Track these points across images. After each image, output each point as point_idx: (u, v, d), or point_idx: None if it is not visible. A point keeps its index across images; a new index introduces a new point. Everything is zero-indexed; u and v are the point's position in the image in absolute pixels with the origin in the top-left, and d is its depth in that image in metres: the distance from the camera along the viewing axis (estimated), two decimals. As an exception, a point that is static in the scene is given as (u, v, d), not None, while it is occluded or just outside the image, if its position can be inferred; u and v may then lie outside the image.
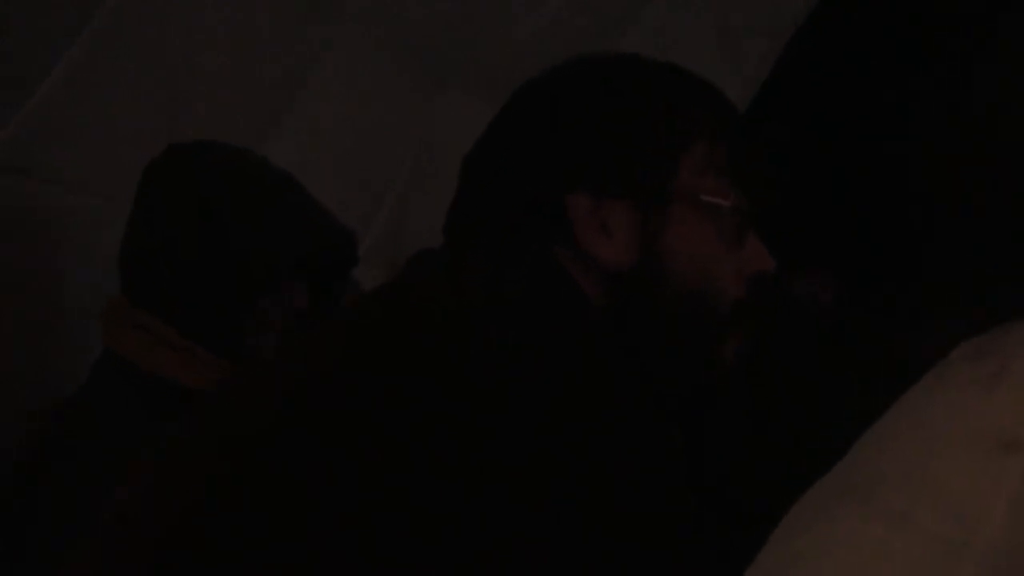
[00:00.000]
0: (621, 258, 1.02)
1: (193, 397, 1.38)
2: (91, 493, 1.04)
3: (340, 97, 2.20)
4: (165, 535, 0.86)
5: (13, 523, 1.46)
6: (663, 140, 1.04)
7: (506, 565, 0.79)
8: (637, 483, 0.85)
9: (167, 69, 1.87)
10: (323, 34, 2.12)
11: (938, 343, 0.71)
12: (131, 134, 1.79)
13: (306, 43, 2.11)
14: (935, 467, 0.63)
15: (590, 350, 0.92)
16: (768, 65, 2.49)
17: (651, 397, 0.91)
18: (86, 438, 1.48)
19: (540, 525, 0.80)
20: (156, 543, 0.86)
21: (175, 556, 0.84)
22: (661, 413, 0.91)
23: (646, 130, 1.05)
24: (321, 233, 1.62)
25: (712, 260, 1.04)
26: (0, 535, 1.46)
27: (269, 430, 0.87)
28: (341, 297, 1.64)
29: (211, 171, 1.58)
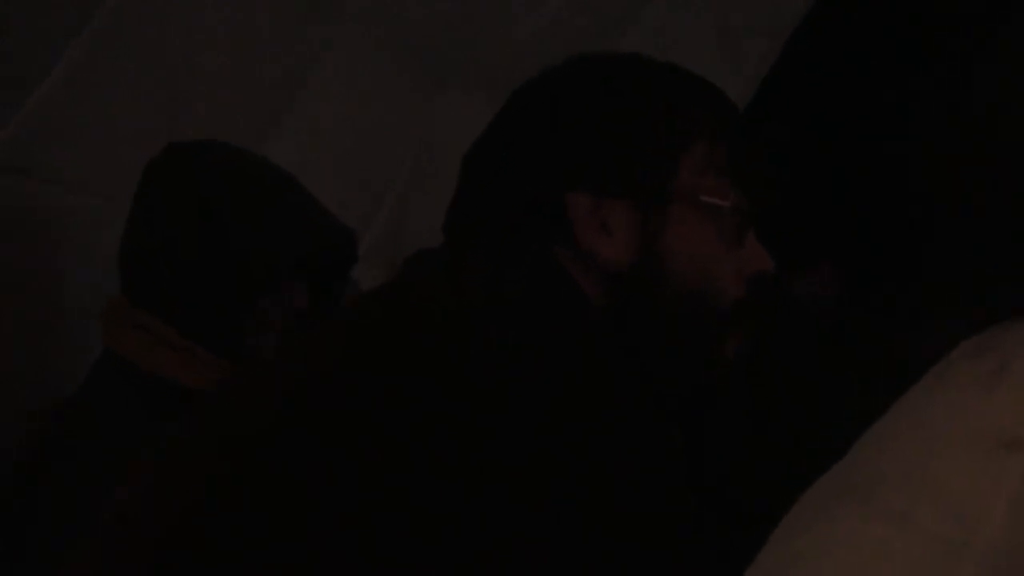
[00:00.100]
0: (621, 257, 1.02)
1: (193, 397, 1.38)
2: (91, 493, 1.04)
3: (340, 97, 2.20)
4: (165, 535, 0.86)
5: (13, 523, 1.46)
6: (663, 140, 1.04)
7: (506, 565, 0.79)
8: (637, 483, 0.85)
9: (167, 69, 1.87)
10: (323, 34, 2.12)
11: (938, 343, 0.71)
12: (131, 134, 1.79)
13: (306, 43, 2.11)
14: (935, 467, 0.63)
15: (590, 350, 0.92)
16: (768, 65, 2.49)
17: (651, 397, 0.91)
18: (86, 438, 1.48)
19: (540, 525, 0.80)
20: (156, 543, 0.86)
21: (175, 556, 0.84)
22: (661, 413, 0.91)
23: (646, 130, 1.05)
24: (321, 233, 1.62)
25: (712, 260, 1.04)
26: (0, 535, 1.46)
27: (269, 430, 0.87)
28: (341, 297, 1.64)
29: (211, 171, 1.58)
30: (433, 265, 1.03)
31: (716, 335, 1.06)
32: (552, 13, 2.28)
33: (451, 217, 1.09)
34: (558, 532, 0.81)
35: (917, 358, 0.72)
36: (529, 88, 1.10)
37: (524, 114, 1.09)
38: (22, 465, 1.52)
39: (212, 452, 0.89)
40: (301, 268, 1.58)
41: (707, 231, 1.04)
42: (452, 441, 0.81)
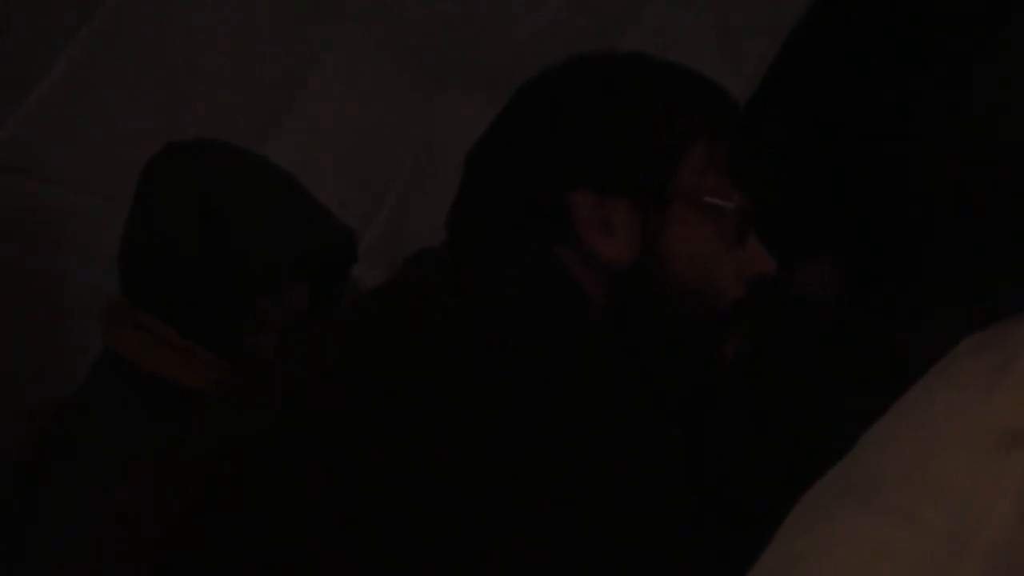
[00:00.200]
0: (623, 257, 1.02)
1: (193, 397, 1.38)
2: (91, 493, 1.04)
3: (340, 97, 2.20)
4: (165, 535, 0.86)
5: (13, 523, 1.46)
6: (664, 140, 1.04)
7: (506, 565, 0.79)
8: (637, 483, 0.85)
9: (167, 69, 1.87)
10: (323, 34, 2.12)
11: (938, 343, 0.71)
12: (131, 134, 1.79)
13: (306, 43, 2.11)
14: (936, 466, 0.63)
15: (590, 350, 0.92)
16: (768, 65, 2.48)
17: (651, 397, 0.91)
18: (86, 438, 1.48)
19: (540, 525, 0.80)
20: (156, 543, 0.86)
21: (175, 556, 0.84)
22: (661, 413, 0.91)
23: (647, 129, 1.05)
24: (321, 233, 1.62)
25: (712, 260, 1.04)
26: (0, 535, 1.46)
27: (269, 430, 0.87)
28: (341, 297, 1.64)
29: (211, 170, 1.58)
30: (433, 265, 1.03)
31: (716, 335, 1.06)
32: (552, 13, 2.28)
33: (453, 216, 1.09)
34: (558, 532, 0.80)
35: (917, 358, 0.72)
36: (531, 88, 1.10)
37: (526, 114, 1.09)
38: (22, 465, 1.52)
39: (212, 452, 0.89)
40: (301, 268, 1.58)
41: (707, 231, 1.04)
42: (452, 441, 0.81)
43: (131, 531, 0.89)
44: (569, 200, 1.02)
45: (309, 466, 0.83)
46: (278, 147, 1.90)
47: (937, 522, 0.61)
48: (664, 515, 0.85)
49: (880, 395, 0.71)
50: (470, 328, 0.89)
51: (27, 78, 1.69)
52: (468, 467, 0.81)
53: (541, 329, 0.91)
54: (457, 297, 0.94)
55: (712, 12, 2.48)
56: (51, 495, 1.45)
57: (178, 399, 1.45)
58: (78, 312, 1.74)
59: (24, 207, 1.73)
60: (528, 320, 0.92)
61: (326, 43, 2.13)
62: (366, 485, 0.81)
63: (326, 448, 0.83)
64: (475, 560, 0.79)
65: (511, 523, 0.80)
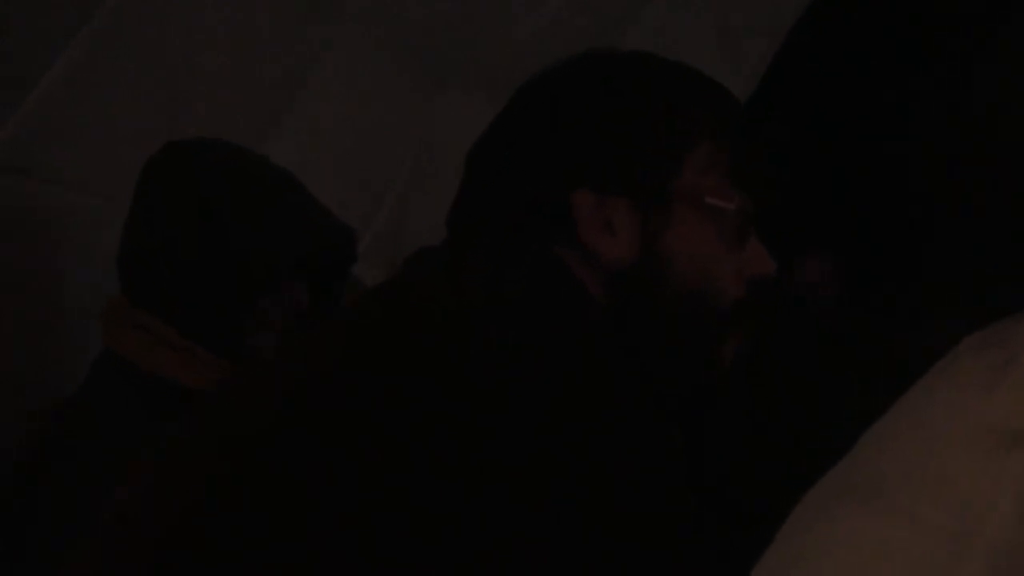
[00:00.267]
0: (624, 256, 1.02)
1: (193, 397, 1.38)
2: (91, 493, 1.04)
3: (340, 97, 2.20)
4: (165, 535, 0.86)
5: (13, 523, 1.46)
6: (665, 140, 1.04)
7: (506, 565, 0.79)
8: (637, 483, 0.85)
9: (167, 69, 1.87)
10: (323, 34, 2.12)
11: (938, 343, 0.71)
12: (131, 134, 1.79)
13: (306, 43, 2.11)
14: (936, 465, 0.63)
15: (590, 350, 0.92)
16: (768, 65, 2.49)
17: (651, 397, 0.91)
18: (86, 438, 1.48)
19: (540, 525, 0.80)
20: (156, 543, 0.86)
21: (175, 556, 0.84)
22: (661, 413, 0.91)
23: (648, 129, 1.05)
24: (321, 233, 1.62)
25: (712, 260, 1.04)
26: (0, 535, 1.46)
27: (269, 430, 0.87)
28: (341, 297, 1.64)
29: (211, 170, 1.58)
30: (434, 264, 1.03)
31: (716, 335, 1.06)
32: (552, 13, 2.28)
33: (453, 216, 1.09)
34: (558, 532, 0.80)
35: (917, 358, 0.72)
36: (532, 86, 1.10)
37: (527, 113, 1.09)
38: (22, 465, 1.52)
39: (212, 452, 0.89)
40: (301, 268, 1.58)
41: (708, 231, 1.04)
42: (452, 441, 0.81)
43: (131, 531, 0.89)
44: (570, 200, 1.02)
45: (309, 466, 0.83)
46: (278, 147, 1.90)
47: (937, 522, 0.61)
48: (664, 515, 0.85)
49: (880, 395, 0.71)
50: (470, 328, 0.89)
51: (27, 78, 1.69)
52: (468, 467, 0.81)
53: (541, 329, 0.91)
54: (457, 297, 0.94)
55: (712, 12, 2.48)
56: (51, 495, 1.45)
57: (178, 399, 1.44)
58: (78, 312, 1.74)
59: (24, 207, 1.73)
60: (528, 320, 0.92)
61: (326, 43, 2.13)
62: (366, 485, 0.81)
63: (326, 448, 0.83)
64: (475, 560, 0.79)
65: (511, 523, 0.80)
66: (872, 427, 0.69)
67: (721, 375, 1.07)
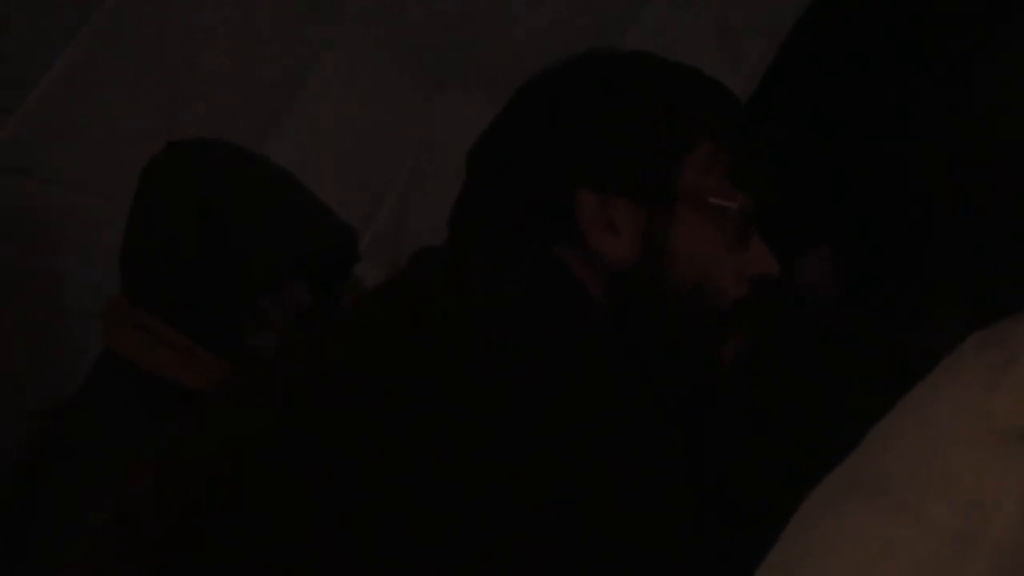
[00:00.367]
0: (626, 256, 1.02)
1: (193, 397, 1.38)
2: (91, 493, 1.04)
3: (340, 97, 2.20)
4: (165, 535, 0.86)
5: (13, 523, 1.46)
6: (666, 139, 1.04)
7: (506, 565, 0.79)
8: (637, 483, 0.85)
9: (167, 69, 1.87)
10: (323, 34, 2.12)
11: (938, 343, 0.71)
12: (131, 134, 1.79)
13: (306, 43, 2.11)
14: (940, 464, 0.63)
15: (590, 350, 0.92)
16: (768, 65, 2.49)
17: (651, 397, 0.91)
18: (86, 438, 1.48)
19: (540, 525, 0.80)
20: (156, 543, 0.86)
21: (175, 556, 0.84)
22: (661, 413, 0.91)
23: (650, 129, 1.05)
24: (321, 232, 1.62)
25: (713, 260, 1.04)
26: (0, 535, 1.46)
27: (269, 430, 0.87)
28: (341, 297, 1.64)
29: (211, 170, 1.58)
30: (434, 264, 1.03)
31: (716, 335, 1.06)
32: (552, 13, 2.28)
33: (455, 215, 1.09)
34: (558, 532, 0.80)
35: (917, 358, 0.72)
36: (532, 86, 1.10)
37: (527, 113, 1.09)
38: (22, 465, 1.52)
39: (212, 452, 0.89)
40: (301, 268, 1.58)
41: (710, 231, 1.04)
42: (452, 441, 0.81)
43: (131, 531, 0.89)
44: (573, 200, 1.02)
45: (309, 466, 0.83)
46: (278, 147, 1.90)
47: (942, 521, 0.61)
48: (664, 515, 0.85)
49: (880, 395, 0.71)
50: (470, 328, 0.89)
51: (27, 78, 1.69)
52: (468, 467, 0.81)
53: (541, 329, 0.91)
54: (457, 297, 0.94)
55: (712, 12, 2.48)
56: (51, 495, 1.44)
57: (178, 399, 1.44)
58: (78, 312, 1.74)
59: (24, 207, 1.73)
60: (528, 320, 0.92)
61: (326, 43, 2.14)
62: (366, 485, 0.81)
63: (326, 448, 0.83)
64: (475, 560, 0.79)
65: (511, 523, 0.80)
66: (878, 424, 0.69)
67: (721, 375, 1.07)
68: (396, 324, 0.91)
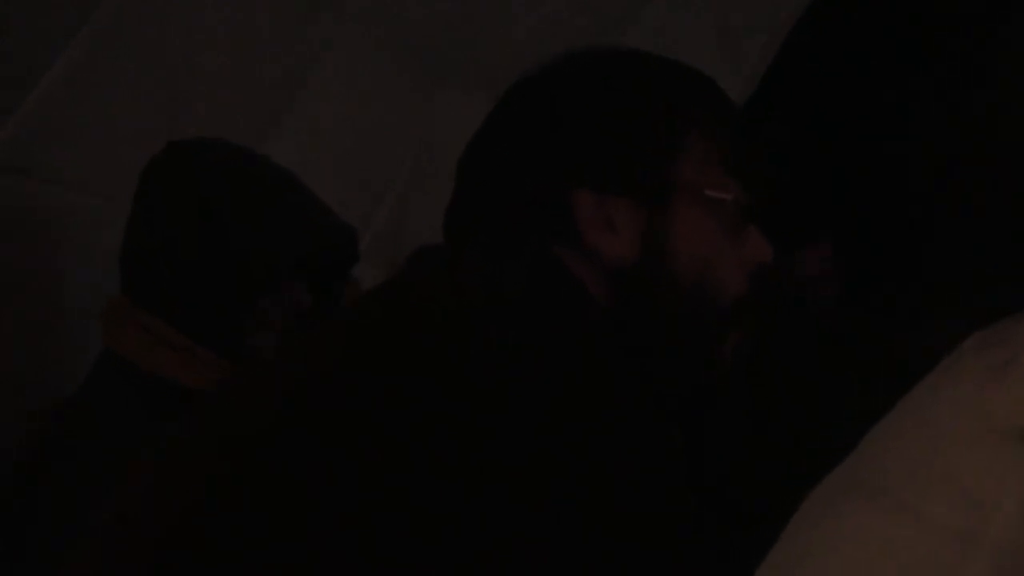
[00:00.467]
0: (626, 254, 1.02)
1: (193, 397, 1.38)
2: (91, 493, 1.04)
3: (340, 97, 2.20)
4: (165, 535, 0.86)
5: (13, 523, 1.46)
6: (661, 137, 1.04)
7: (506, 565, 0.79)
8: (637, 483, 0.85)
9: (167, 69, 1.87)
10: (323, 34, 2.12)
11: (938, 343, 0.71)
12: (131, 134, 1.79)
13: (306, 43, 2.11)
14: (940, 463, 0.63)
15: (590, 350, 0.92)
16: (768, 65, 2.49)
17: (651, 397, 0.91)
18: (86, 438, 1.48)
19: (540, 525, 0.80)
20: (156, 543, 0.86)
21: (175, 556, 0.84)
22: (661, 413, 0.91)
23: (641, 127, 1.04)
24: (321, 232, 1.62)
25: (713, 255, 1.04)
26: (0, 535, 1.46)
27: (269, 430, 0.87)
28: (341, 297, 1.64)
29: (212, 170, 1.58)
30: (434, 263, 1.03)
31: (717, 334, 1.06)
32: (552, 13, 2.28)
33: (450, 214, 1.08)
34: (558, 532, 0.80)
35: (917, 358, 0.72)
36: (526, 85, 1.10)
37: (523, 112, 1.08)
38: (22, 465, 1.52)
39: (212, 452, 0.89)
40: (301, 268, 1.58)
41: (708, 226, 1.04)
42: (452, 441, 0.81)
43: (131, 531, 0.89)
44: (571, 199, 1.02)
45: (309, 466, 0.83)
46: (278, 147, 1.90)
47: (942, 521, 0.61)
48: (664, 515, 0.85)
49: (880, 395, 0.71)
50: (470, 328, 0.89)
51: (27, 78, 1.69)
52: (468, 467, 0.81)
53: (541, 329, 0.91)
54: (457, 297, 0.94)
55: (712, 12, 2.48)
56: (51, 495, 1.45)
57: (178, 399, 1.45)
58: (78, 312, 1.74)
59: (24, 207, 1.74)
60: (528, 320, 0.92)
61: (326, 43, 2.14)
62: (366, 485, 0.81)
63: (326, 448, 0.83)
64: (475, 560, 0.79)
65: (511, 523, 0.80)
66: (878, 424, 0.69)
67: (721, 375, 1.07)
68: (396, 324, 0.91)
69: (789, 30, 2.38)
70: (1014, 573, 0.60)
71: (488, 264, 1.00)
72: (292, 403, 0.87)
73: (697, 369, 1.06)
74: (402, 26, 2.21)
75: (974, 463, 0.62)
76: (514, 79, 1.10)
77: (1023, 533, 0.60)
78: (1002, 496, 0.60)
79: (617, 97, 1.06)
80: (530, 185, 1.04)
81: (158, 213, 1.56)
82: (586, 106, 1.06)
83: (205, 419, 0.95)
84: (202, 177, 1.57)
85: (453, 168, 1.10)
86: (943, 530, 0.61)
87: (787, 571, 0.66)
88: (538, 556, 0.80)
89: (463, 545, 0.79)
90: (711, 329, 1.05)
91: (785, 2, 2.43)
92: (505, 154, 1.07)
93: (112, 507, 0.93)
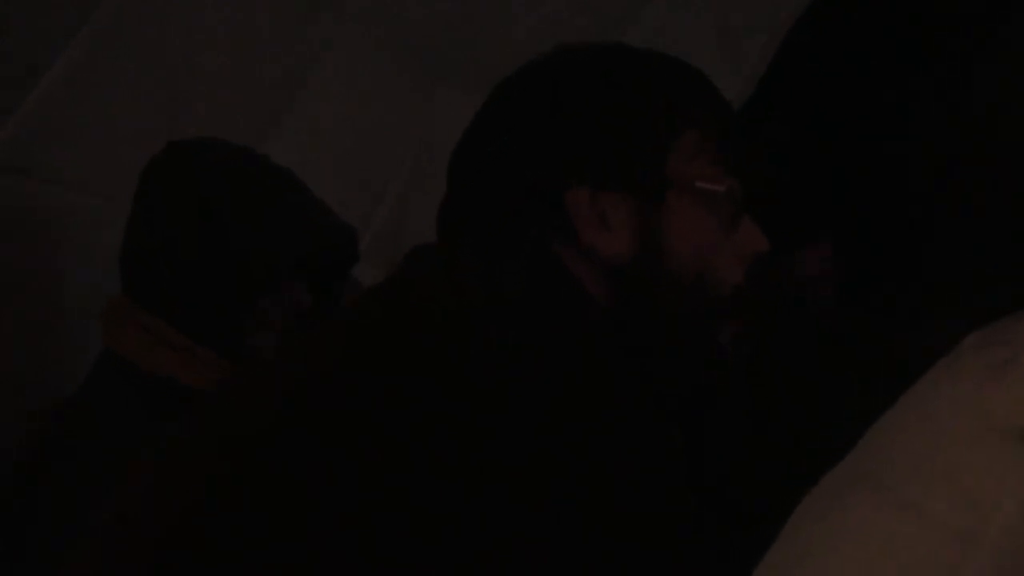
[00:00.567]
0: (621, 251, 1.01)
1: (193, 397, 1.38)
2: (91, 493, 1.04)
3: (340, 97, 2.20)
4: (165, 535, 0.86)
5: (13, 523, 1.46)
6: (653, 132, 1.04)
7: (506, 565, 0.79)
8: (637, 483, 0.85)
9: (167, 69, 1.87)
10: (323, 34, 2.12)
11: (938, 343, 0.71)
12: (131, 134, 1.79)
13: (306, 43, 2.11)
14: (942, 460, 0.63)
15: (590, 350, 0.92)
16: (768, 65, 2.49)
17: (651, 397, 0.91)
18: (86, 438, 1.48)
19: (540, 525, 0.80)
20: (156, 543, 0.86)
21: (175, 556, 0.84)
22: (661, 413, 0.91)
23: (637, 123, 1.04)
24: (321, 232, 1.62)
25: (709, 249, 1.04)
26: (0, 535, 1.46)
27: (269, 430, 0.87)
28: (341, 297, 1.64)
29: (211, 170, 1.58)
30: (432, 262, 1.03)
31: (716, 332, 1.06)
32: (552, 13, 2.28)
33: (444, 212, 1.08)
34: (558, 532, 0.80)
35: (917, 358, 0.72)
36: (519, 81, 1.09)
37: (516, 108, 1.08)
38: (22, 465, 1.52)
39: (212, 452, 0.89)
40: (301, 268, 1.58)
41: (703, 219, 1.04)
42: (452, 441, 0.81)
43: (131, 531, 0.89)
44: (565, 197, 1.01)
45: (309, 466, 0.83)
46: (278, 147, 1.90)
47: (943, 518, 0.61)
48: (664, 515, 0.85)
49: (880, 395, 0.71)
50: (470, 328, 0.89)
51: (27, 78, 1.69)
52: (468, 467, 0.81)
53: (541, 329, 0.91)
54: (457, 297, 0.94)
55: (712, 12, 2.48)
56: (51, 495, 1.45)
57: (178, 399, 1.45)
58: (78, 312, 1.74)
59: (24, 207, 1.74)
60: (528, 320, 0.92)
61: (326, 43, 2.14)
62: (366, 485, 0.81)
63: (326, 448, 0.83)
64: (475, 560, 0.79)
65: (511, 523, 0.80)
66: (883, 416, 0.69)
67: (721, 374, 1.07)
68: (396, 324, 0.91)
69: (789, 30, 2.38)
70: (1014, 573, 0.60)
71: (487, 263, 1.00)
72: (292, 403, 0.87)
73: (697, 369, 1.06)
74: (402, 26, 2.21)
75: (974, 462, 0.62)
76: (506, 74, 1.10)
77: (1023, 533, 0.60)
78: (1002, 496, 0.60)
79: (612, 93, 1.06)
80: (526, 181, 1.04)
81: (158, 213, 1.56)
82: (581, 102, 1.06)
83: (205, 419, 0.95)
84: (202, 177, 1.57)
85: (452, 168, 1.10)
86: (944, 529, 0.61)
87: (788, 570, 0.66)
88: (538, 556, 0.80)
89: (463, 545, 0.79)
90: (711, 327, 1.05)
91: (785, 2, 2.43)
92: (499, 150, 1.06)
93: (112, 507, 0.93)
